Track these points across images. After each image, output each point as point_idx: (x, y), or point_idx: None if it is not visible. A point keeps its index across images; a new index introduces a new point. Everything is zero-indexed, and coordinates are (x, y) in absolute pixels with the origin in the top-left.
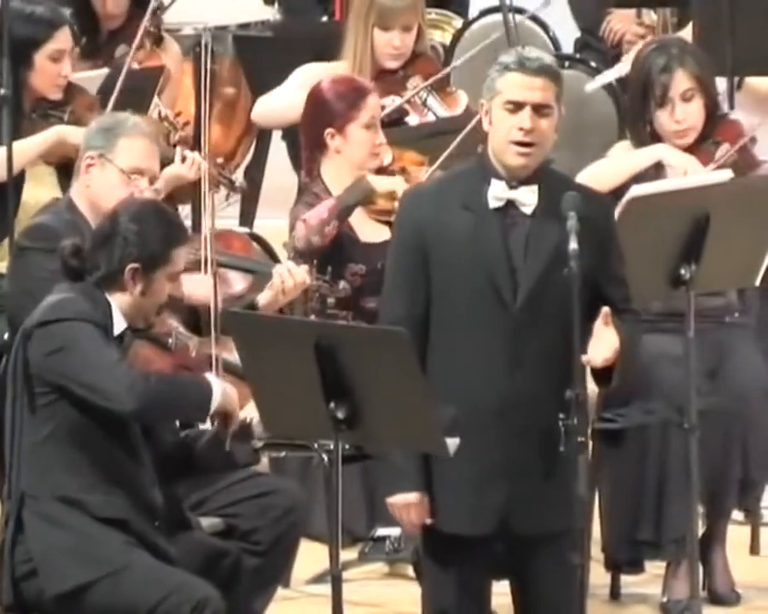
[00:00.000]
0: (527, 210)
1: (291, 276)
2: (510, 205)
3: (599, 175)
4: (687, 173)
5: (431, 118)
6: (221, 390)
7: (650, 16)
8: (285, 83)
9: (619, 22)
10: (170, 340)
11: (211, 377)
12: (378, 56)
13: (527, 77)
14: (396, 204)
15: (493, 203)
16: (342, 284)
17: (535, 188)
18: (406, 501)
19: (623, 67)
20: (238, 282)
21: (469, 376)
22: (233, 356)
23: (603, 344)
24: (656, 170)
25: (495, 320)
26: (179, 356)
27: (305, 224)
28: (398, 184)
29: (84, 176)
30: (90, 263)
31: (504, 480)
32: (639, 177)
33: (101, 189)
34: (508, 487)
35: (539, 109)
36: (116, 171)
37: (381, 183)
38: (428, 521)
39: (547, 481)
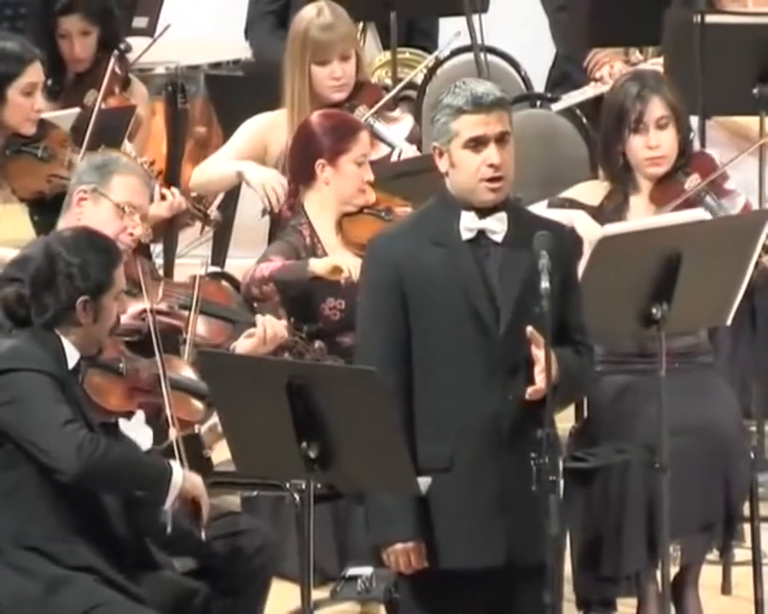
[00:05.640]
0: (498, 237)
1: (272, 328)
2: (481, 234)
3: None
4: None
5: (381, 146)
6: (182, 475)
7: (636, 55)
8: (222, 149)
9: (606, 56)
10: (120, 365)
11: (174, 464)
12: (321, 92)
13: (484, 115)
14: (343, 274)
15: (466, 234)
16: (318, 343)
17: (503, 215)
18: (405, 549)
19: (588, 90)
20: (216, 331)
21: (462, 408)
22: (180, 375)
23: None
24: (617, 213)
25: (480, 349)
26: (131, 379)
27: (252, 272)
28: (336, 258)
29: (75, 210)
30: (35, 307)
31: (503, 511)
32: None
33: (94, 223)
34: (507, 518)
35: (501, 138)
36: (110, 205)
37: (320, 265)
38: (425, 565)
39: (527, 516)
